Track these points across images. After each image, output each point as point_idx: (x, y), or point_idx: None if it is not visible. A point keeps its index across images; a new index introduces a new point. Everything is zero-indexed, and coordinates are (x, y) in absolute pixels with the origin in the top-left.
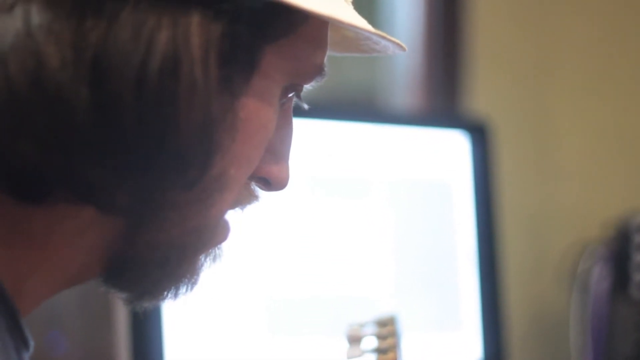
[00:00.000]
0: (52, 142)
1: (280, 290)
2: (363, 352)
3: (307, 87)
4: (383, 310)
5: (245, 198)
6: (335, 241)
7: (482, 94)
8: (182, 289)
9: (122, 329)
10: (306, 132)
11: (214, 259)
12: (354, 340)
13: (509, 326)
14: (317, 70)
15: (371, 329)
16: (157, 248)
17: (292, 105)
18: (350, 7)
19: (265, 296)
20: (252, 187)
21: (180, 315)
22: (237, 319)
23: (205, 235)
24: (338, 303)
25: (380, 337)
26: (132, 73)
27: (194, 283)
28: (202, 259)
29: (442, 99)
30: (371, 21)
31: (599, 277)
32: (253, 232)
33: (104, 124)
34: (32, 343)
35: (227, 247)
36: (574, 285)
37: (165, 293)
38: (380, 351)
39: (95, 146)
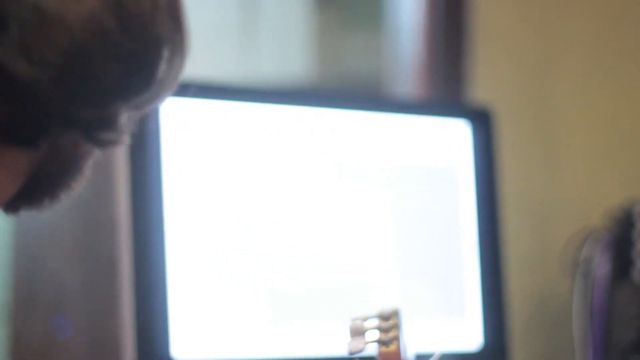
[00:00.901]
0: None
1: (282, 280)
2: (365, 345)
3: None
4: (386, 301)
5: None
6: (337, 229)
7: (484, 82)
8: None
9: (128, 314)
10: (310, 121)
11: None
12: (357, 333)
13: (512, 313)
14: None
15: (374, 322)
16: None
17: None
18: None
19: (268, 287)
20: None
21: (185, 304)
22: (239, 310)
23: None
24: (340, 292)
25: (383, 330)
26: None
27: None
28: None
29: (445, 87)
30: (374, 11)
31: (601, 264)
32: (256, 223)
33: None
34: None
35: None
36: (577, 273)
37: None
38: (382, 343)
39: None
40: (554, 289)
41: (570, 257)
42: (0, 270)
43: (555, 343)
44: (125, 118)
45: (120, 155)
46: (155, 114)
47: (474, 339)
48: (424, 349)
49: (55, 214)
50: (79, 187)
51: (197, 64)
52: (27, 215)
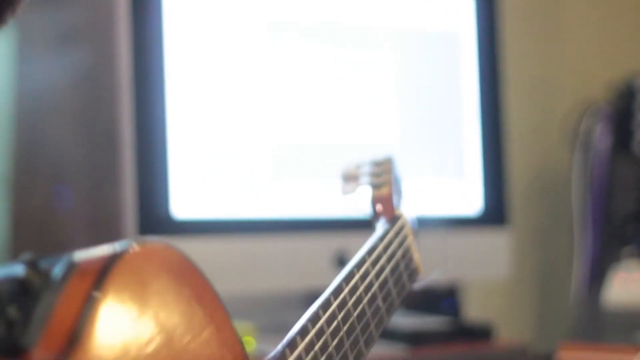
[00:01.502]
0: None
1: (285, 136)
2: (357, 188)
3: None
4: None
5: None
6: (340, 90)
7: None
8: None
9: (129, 187)
10: None
11: None
12: (349, 177)
13: (511, 183)
14: None
15: (366, 167)
16: None
17: None
18: None
19: (269, 145)
20: None
21: (185, 165)
22: (239, 169)
23: None
24: (342, 149)
25: (375, 175)
26: None
27: None
28: None
29: None
30: None
31: (601, 136)
32: (259, 79)
33: None
34: None
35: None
36: (577, 145)
37: None
38: (374, 186)
39: None
40: (554, 160)
41: (571, 129)
42: (1, 138)
43: (555, 214)
44: None
45: (121, 23)
46: None
47: (473, 203)
48: (425, 212)
49: (57, 83)
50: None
51: None
52: (28, 86)
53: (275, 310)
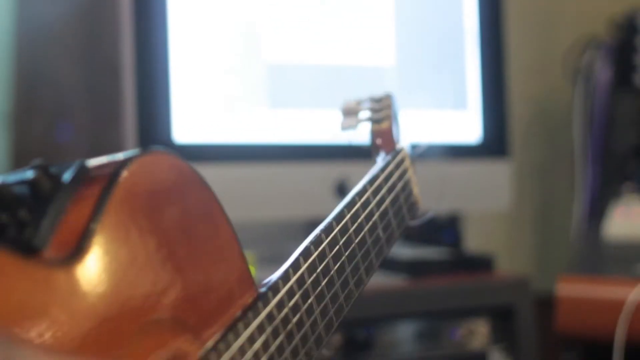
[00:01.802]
0: None
1: (282, 61)
2: (358, 123)
3: None
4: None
5: None
6: (338, 11)
7: None
8: None
9: (130, 118)
10: None
11: None
12: (349, 112)
13: (513, 115)
14: None
15: (366, 103)
16: None
17: None
18: None
19: (268, 69)
20: None
21: (186, 90)
22: (239, 94)
23: None
24: (341, 73)
25: (375, 110)
26: None
27: None
28: None
29: None
30: None
31: (603, 70)
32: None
33: None
34: None
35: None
36: (578, 79)
37: None
38: (374, 121)
39: None
40: (555, 94)
41: (572, 63)
42: (2, 74)
43: (555, 148)
44: None
45: None
46: None
47: (473, 132)
48: (423, 139)
49: (57, 16)
50: None
51: None
52: (29, 18)
53: (275, 240)
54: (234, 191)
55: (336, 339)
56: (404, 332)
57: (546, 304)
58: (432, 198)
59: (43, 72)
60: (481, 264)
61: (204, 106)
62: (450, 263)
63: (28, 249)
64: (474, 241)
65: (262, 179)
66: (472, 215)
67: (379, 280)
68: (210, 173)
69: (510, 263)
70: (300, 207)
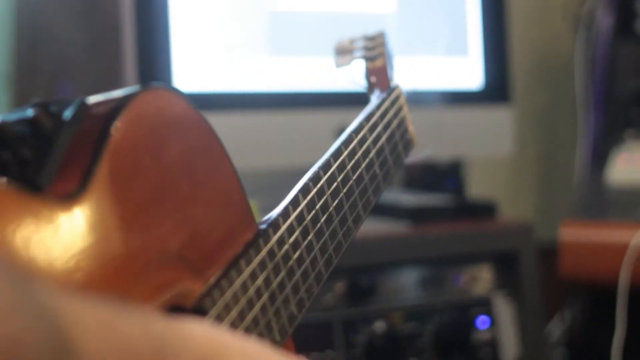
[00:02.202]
0: None
1: (282, 8)
2: (352, 60)
3: None
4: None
5: None
6: None
7: None
8: None
9: (131, 77)
10: None
11: None
12: (343, 51)
13: (515, 62)
14: None
15: (360, 41)
16: None
17: None
18: None
19: (267, 16)
20: None
21: (186, 39)
22: (239, 42)
23: None
24: (341, 20)
25: (368, 48)
26: None
27: None
28: None
29: None
30: None
31: (604, 17)
32: None
33: None
34: None
35: None
36: (579, 26)
37: None
38: (368, 59)
39: None
40: (556, 41)
41: (574, 10)
42: (1, 34)
43: (557, 95)
44: None
45: None
46: None
47: (475, 78)
48: (423, 85)
49: None
50: None
51: None
52: None
53: (276, 188)
54: (235, 139)
55: (339, 285)
56: (408, 279)
57: (549, 250)
58: (434, 144)
59: (43, 30)
60: (484, 210)
61: (205, 54)
62: (453, 209)
63: (32, 187)
64: (476, 188)
65: (263, 127)
66: (475, 162)
67: (382, 227)
68: (211, 121)
69: (513, 209)
70: (301, 155)
